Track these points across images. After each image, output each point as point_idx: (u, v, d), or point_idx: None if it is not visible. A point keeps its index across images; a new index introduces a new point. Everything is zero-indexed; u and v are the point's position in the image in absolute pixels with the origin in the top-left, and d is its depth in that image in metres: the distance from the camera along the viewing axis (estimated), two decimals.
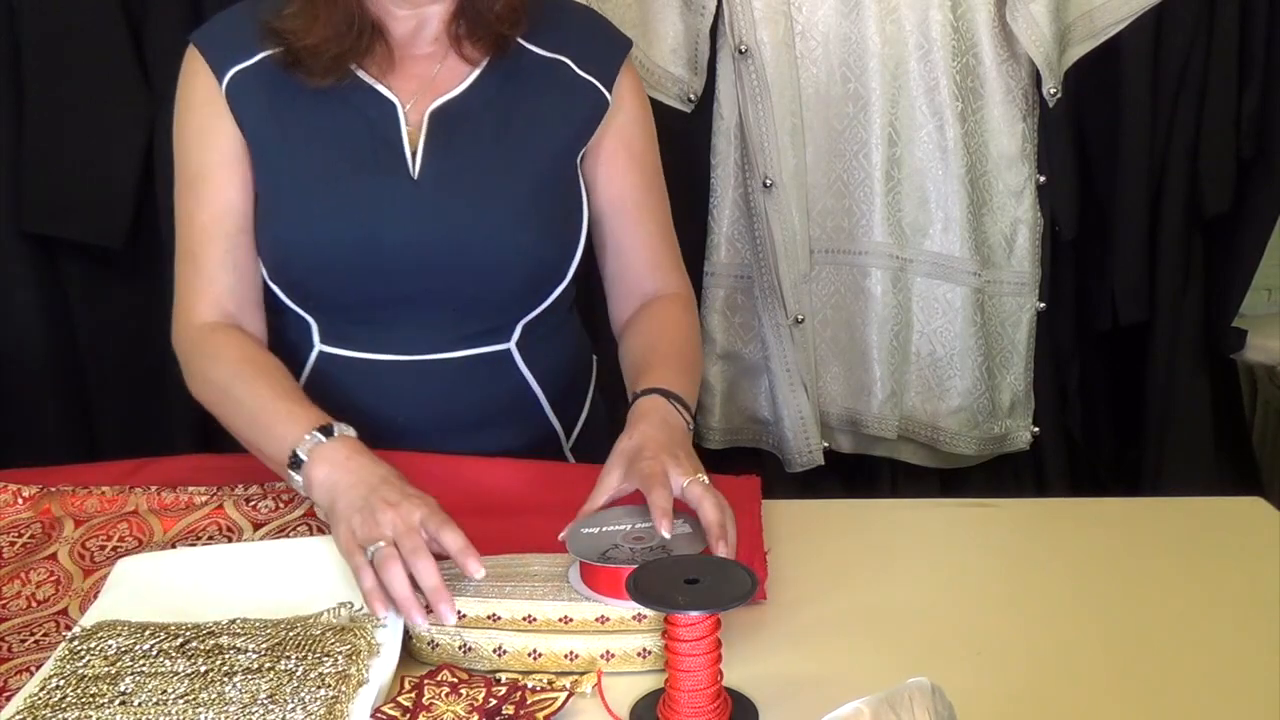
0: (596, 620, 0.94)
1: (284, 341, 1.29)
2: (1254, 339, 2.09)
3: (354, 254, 1.22)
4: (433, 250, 1.22)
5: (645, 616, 0.93)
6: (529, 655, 0.93)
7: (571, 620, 0.94)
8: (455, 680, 0.89)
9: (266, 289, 1.28)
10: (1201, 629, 0.98)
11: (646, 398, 1.16)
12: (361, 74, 1.25)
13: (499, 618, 0.95)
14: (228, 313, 1.25)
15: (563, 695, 0.87)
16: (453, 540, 0.97)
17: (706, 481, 1.04)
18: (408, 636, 0.96)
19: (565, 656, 0.93)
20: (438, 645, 0.95)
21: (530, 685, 0.89)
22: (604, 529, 1.02)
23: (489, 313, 1.28)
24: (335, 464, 1.07)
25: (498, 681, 0.89)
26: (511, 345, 1.30)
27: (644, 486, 1.03)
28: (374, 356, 1.28)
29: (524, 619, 0.95)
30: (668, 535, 0.98)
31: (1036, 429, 2.00)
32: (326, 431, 1.09)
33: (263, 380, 1.18)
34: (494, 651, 0.93)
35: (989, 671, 0.92)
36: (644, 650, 0.93)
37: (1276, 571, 1.06)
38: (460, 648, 0.94)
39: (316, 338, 1.29)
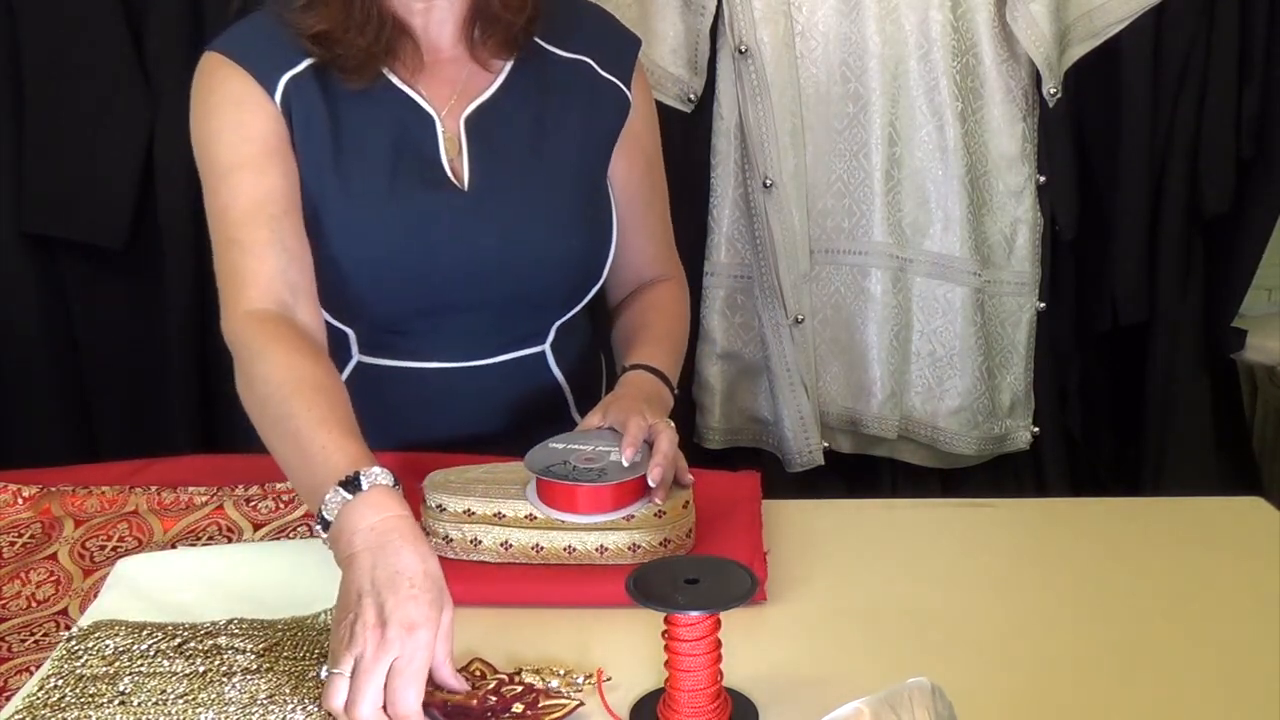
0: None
1: None
2: (1254, 339, 2.09)
3: (410, 271, 1.21)
4: (485, 260, 1.22)
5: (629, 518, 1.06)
6: (532, 549, 1.06)
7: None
8: (474, 674, 0.89)
9: None
10: (1201, 629, 0.98)
11: (634, 372, 1.23)
12: (394, 78, 1.23)
13: (503, 515, 1.07)
14: (281, 301, 1.13)
15: (571, 704, 0.87)
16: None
17: (672, 427, 1.11)
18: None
19: (597, 550, 1.05)
20: (451, 540, 1.06)
21: (550, 686, 0.89)
22: (568, 446, 1.10)
23: (531, 317, 1.30)
24: (350, 540, 0.91)
25: (512, 680, 0.89)
26: (546, 347, 1.32)
27: (619, 422, 1.11)
28: (413, 365, 1.28)
29: (526, 517, 1.06)
30: (626, 463, 1.06)
31: (1036, 429, 2.00)
32: (352, 485, 0.93)
33: (302, 402, 1.02)
34: (500, 545, 1.06)
35: (989, 671, 0.92)
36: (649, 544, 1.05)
37: (1276, 571, 1.06)
38: (472, 541, 1.06)
39: (355, 348, 1.29)
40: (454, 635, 0.88)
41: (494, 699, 0.87)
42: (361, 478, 0.93)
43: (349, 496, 0.92)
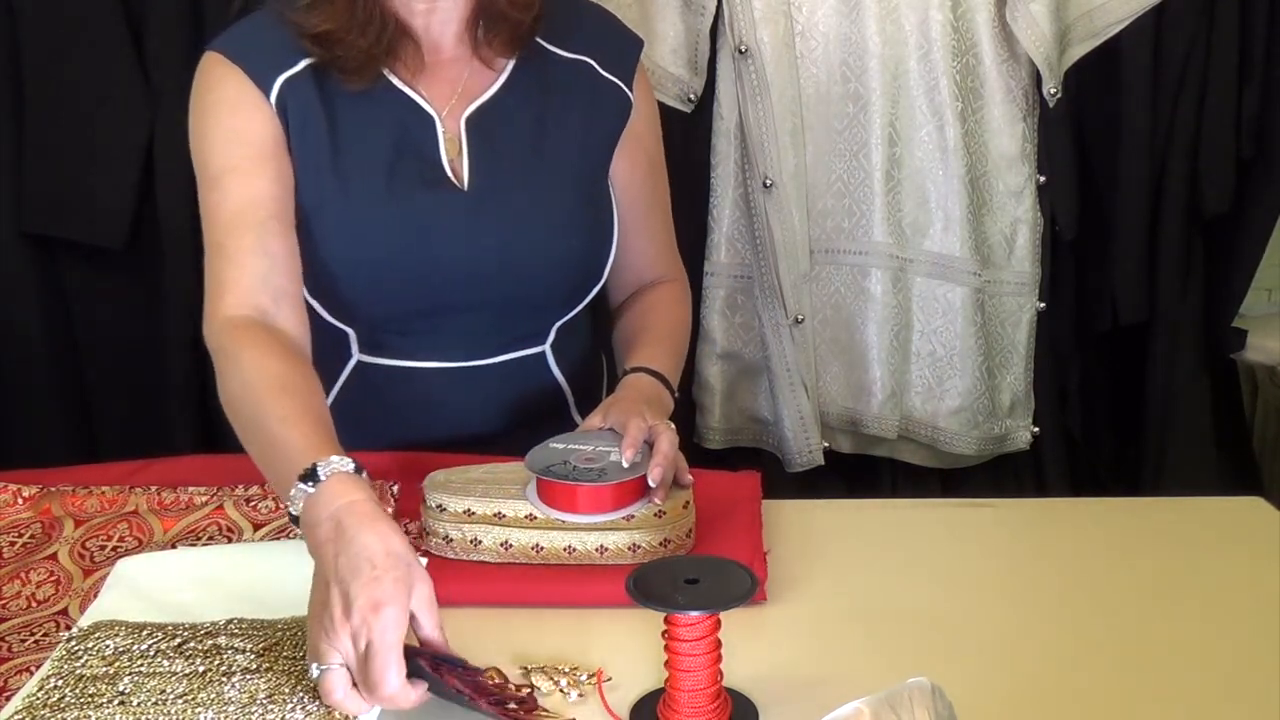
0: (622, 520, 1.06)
1: (320, 351, 1.23)
2: (1254, 339, 2.09)
3: (408, 271, 1.21)
4: (485, 261, 1.22)
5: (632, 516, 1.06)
6: (532, 549, 1.06)
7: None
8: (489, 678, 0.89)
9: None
10: (1201, 629, 0.98)
11: (635, 375, 1.23)
12: (394, 79, 1.23)
13: (503, 515, 1.07)
14: (260, 307, 1.13)
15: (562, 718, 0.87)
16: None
17: (672, 428, 1.11)
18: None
19: (596, 550, 1.05)
20: (451, 540, 1.07)
21: (560, 685, 0.90)
22: (569, 446, 1.11)
23: (531, 317, 1.30)
24: (315, 532, 0.90)
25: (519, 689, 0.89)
26: (546, 347, 1.32)
27: (620, 424, 1.11)
28: (414, 364, 1.28)
29: (526, 517, 1.07)
30: (626, 464, 1.06)
31: (1036, 429, 2.00)
32: (311, 477, 0.92)
33: (271, 402, 1.03)
34: (500, 545, 1.07)
35: (989, 671, 0.92)
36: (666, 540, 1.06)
37: (1276, 571, 1.06)
38: (472, 541, 1.07)
39: (355, 348, 1.29)
40: (435, 608, 0.86)
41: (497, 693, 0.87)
42: (319, 469, 0.92)
43: (310, 489, 0.92)
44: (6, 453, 1.90)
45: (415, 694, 0.83)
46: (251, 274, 1.14)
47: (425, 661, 0.84)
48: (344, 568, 0.85)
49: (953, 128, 1.86)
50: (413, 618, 0.85)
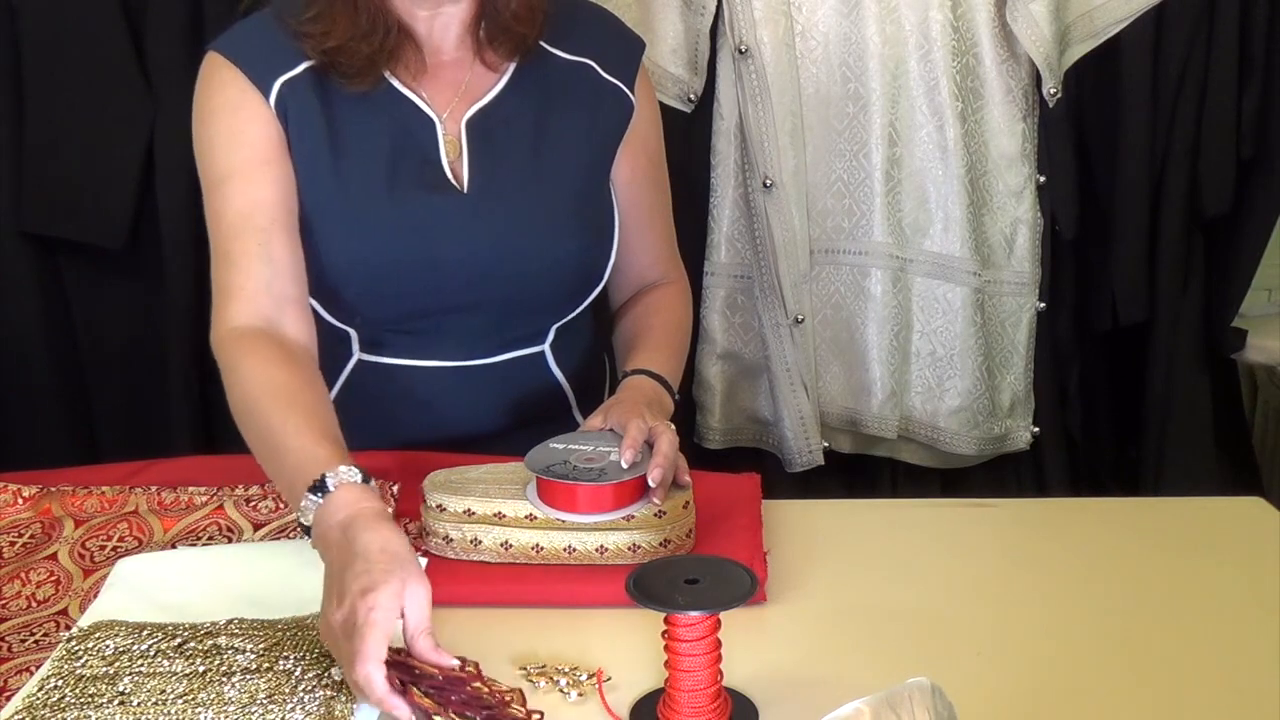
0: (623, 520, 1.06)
1: (321, 350, 1.23)
2: (1254, 339, 2.09)
3: (408, 273, 1.21)
4: (484, 263, 1.22)
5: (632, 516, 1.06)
6: (565, 551, 1.06)
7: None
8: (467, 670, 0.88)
9: None
10: (1201, 629, 0.98)
11: (635, 377, 1.23)
12: (395, 82, 1.23)
13: (503, 515, 1.07)
14: (264, 315, 1.15)
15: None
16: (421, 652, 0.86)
17: (672, 429, 1.11)
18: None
19: (596, 550, 1.05)
20: (451, 540, 1.07)
21: (559, 684, 0.89)
22: (569, 446, 1.10)
23: (530, 318, 1.30)
24: (324, 541, 0.93)
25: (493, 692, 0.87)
26: (545, 347, 1.32)
27: (620, 424, 1.11)
28: (413, 363, 1.28)
29: (526, 517, 1.06)
30: (626, 464, 1.05)
31: (1036, 429, 2.00)
32: (320, 488, 0.96)
33: (275, 412, 1.05)
34: (501, 545, 1.06)
35: (989, 671, 0.92)
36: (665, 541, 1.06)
37: (1276, 571, 1.06)
38: (472, 541, 1.07)
39: (356, 347, 1.29)
40: (428, 610, 0.86)
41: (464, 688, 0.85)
42: (327, 479, 0.96)
43: (319, 500, 0.96)
44: (6, 453, 1.90)
45: (384, 691, 0.81)
46: (255, 281, 1.15)
47: (396, 673, 0.82)
48: (344, 566, 0.88)
49: (953, 128, 1.86)
50: (403, 614, 0.85)
